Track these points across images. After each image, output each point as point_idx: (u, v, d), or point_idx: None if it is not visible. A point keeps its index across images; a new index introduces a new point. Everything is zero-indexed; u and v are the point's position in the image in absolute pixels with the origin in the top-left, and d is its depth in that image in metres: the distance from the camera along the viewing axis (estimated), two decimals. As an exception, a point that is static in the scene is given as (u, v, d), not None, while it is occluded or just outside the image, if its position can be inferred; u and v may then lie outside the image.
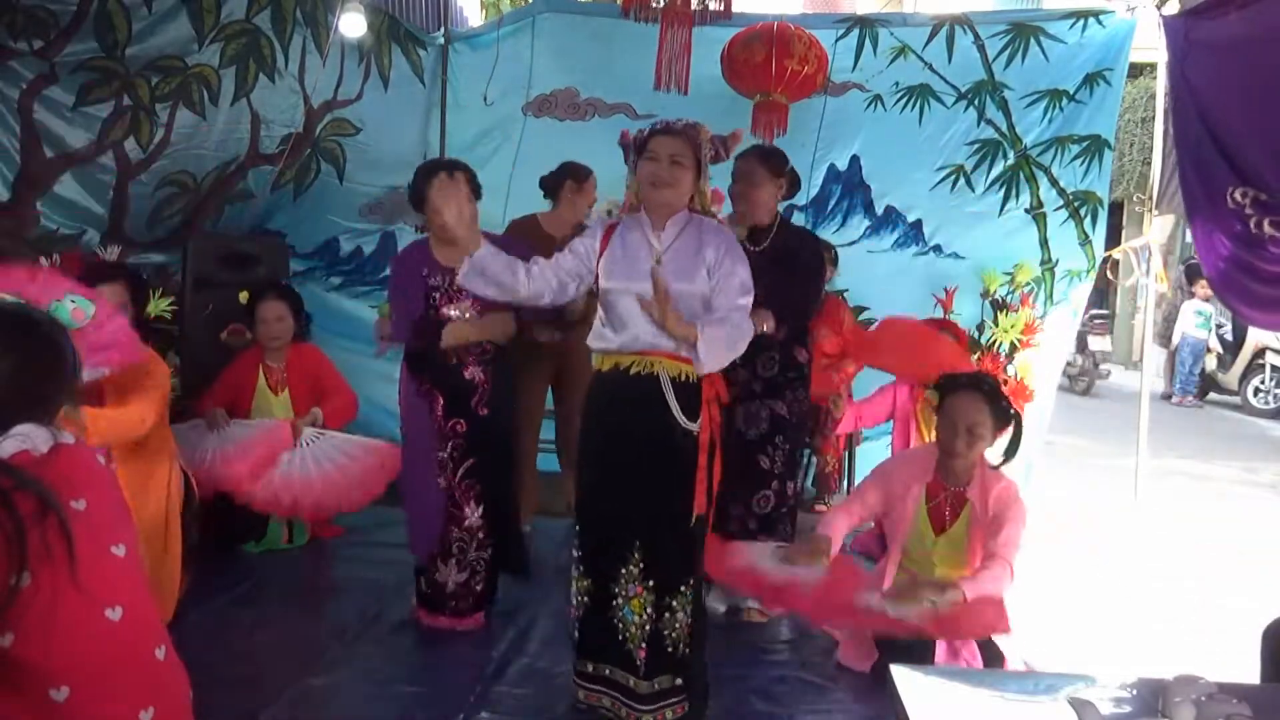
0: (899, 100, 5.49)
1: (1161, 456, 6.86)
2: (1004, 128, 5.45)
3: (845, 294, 5.45)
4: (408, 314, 3.48)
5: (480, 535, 3.48)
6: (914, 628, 2.82)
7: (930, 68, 5.44)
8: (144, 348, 3.08)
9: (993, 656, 3.03)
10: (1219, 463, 7.80)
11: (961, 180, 5.51)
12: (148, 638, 1.54)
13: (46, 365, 1.57)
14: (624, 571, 2.81)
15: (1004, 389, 3.17)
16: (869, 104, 5.51)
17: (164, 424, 3.39)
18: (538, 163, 4.91)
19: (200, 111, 5.17)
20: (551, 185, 4.45)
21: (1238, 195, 3.49)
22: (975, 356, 5.24)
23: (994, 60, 5.41)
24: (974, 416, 3.00)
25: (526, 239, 3.92)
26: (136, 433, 3.15)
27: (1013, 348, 5.41)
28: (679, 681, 2.83)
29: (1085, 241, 5.48)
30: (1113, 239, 9.35)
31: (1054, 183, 5.47)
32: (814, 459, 5.37)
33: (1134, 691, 1.72)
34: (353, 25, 5.26)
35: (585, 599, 2.88)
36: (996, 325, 5.42)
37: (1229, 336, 11.21)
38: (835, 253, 5.06)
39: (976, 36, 5.40)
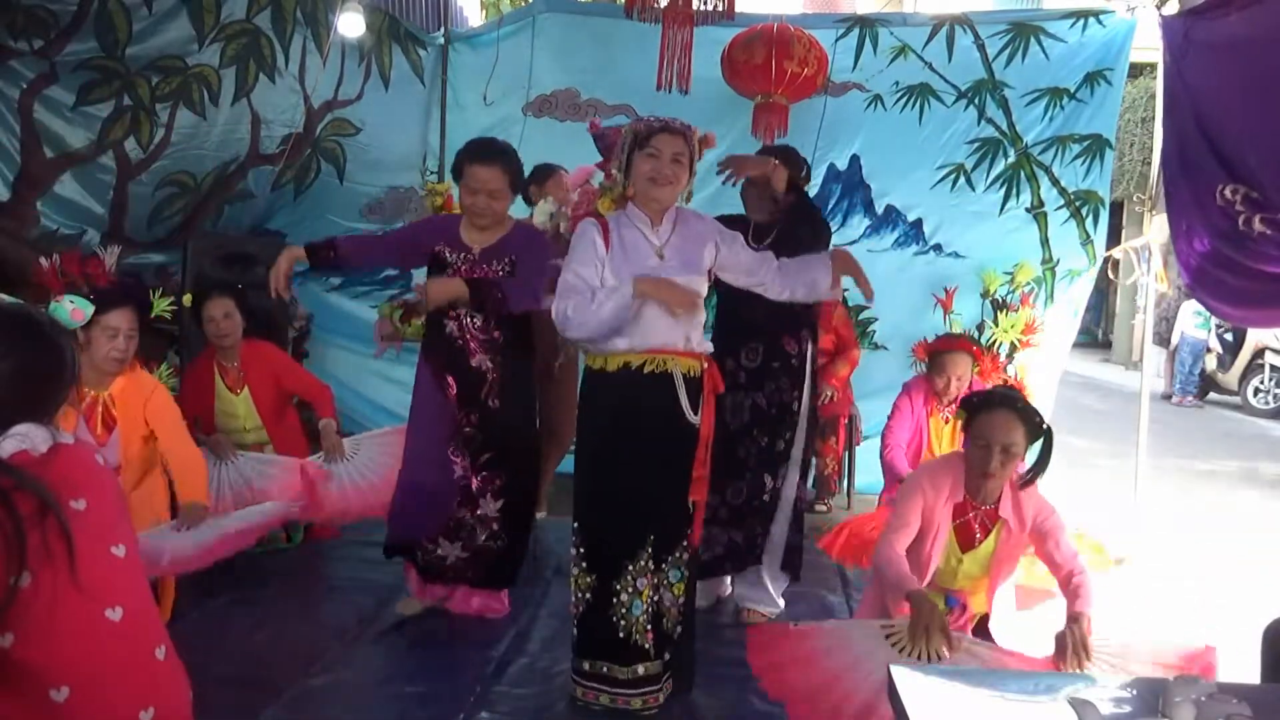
0: (899, 100, 5.49)
1: (1162, 456, 6.86)
2: (1004, 126, 5.46)
3: (845, 293, 5.45)
4: (391, 244, 3.58)
5: (494, 526, 3.43)
6: None
7: (930, 67, 5.45)
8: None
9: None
10: (1219, 463, 7.80)
11: (962, 179, 5.51)
12: (148, 638, 1.54)
13: (47, 365, 1.57)
14: (631, 568, 2.83)
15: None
16: (869, 104, 5.51)
17: None
18: (538, 163, 4.90)
19: (200, 111, 5.18)
20: (524, 191, 4.47)
21: (1227, 193, 3.49)
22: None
23: (994, 60, 5.42)
24: (1009, 436, 2.81)
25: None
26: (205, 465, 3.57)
27: (1013, 348, 5.41)
28: (667, 656, 2.93)
29: (1086, 241, 5.48)
30: (1113, 239, 9.35)
31: (1055, 182, 5.47)
32: (814, 460, 5.37)
33: (1134, 691, 1.71)
34: (353, 25, 5.26)
35: (587, 596, 2.90)
36: (996, 325, 5.42)
37: (1229, 336, 11.22)
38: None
39: (976, 36, 5.41)
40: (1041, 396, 5.39)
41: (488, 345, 3.35)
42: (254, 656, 3.27)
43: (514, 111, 5.68)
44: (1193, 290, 4.23)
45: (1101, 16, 5.33)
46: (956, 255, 5.57)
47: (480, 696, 3.02)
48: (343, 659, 3.26)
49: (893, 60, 5.46)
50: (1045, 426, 2.89)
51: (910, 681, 1.76)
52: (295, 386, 4.41)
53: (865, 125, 5.56)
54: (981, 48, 5.42)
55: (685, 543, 2.93)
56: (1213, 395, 11.54)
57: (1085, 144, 5.41)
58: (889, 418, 4.48)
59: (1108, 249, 5.68)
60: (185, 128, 5.18)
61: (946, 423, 4.30)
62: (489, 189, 3.30)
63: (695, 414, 2.85)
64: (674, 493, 2.88)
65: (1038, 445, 2.92)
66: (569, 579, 2.96)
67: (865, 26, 5.49)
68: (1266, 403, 10.88)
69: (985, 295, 5.50)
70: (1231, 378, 11.18)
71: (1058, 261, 5.50)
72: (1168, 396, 11.37)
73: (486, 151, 3.36)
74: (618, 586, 2.84)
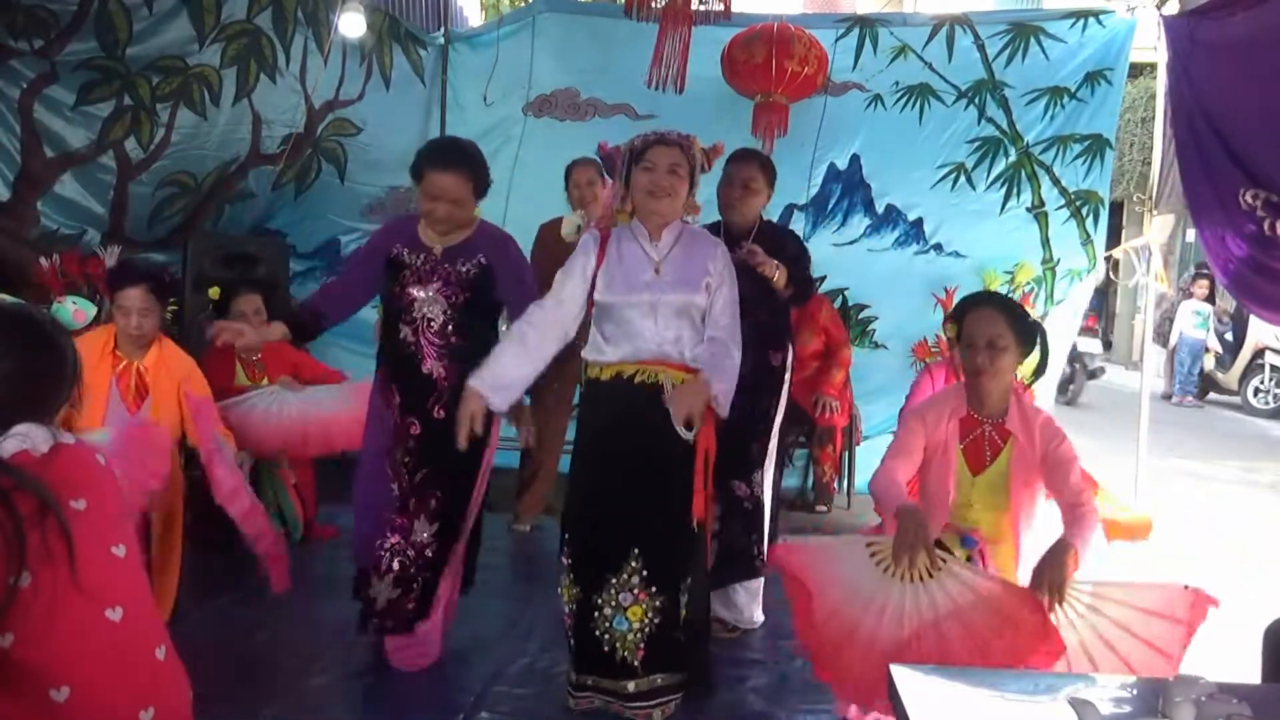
0: (899, 99, 5.49)
1: (1162, 456, 6.86)
2: (1005, 125, 5.46)
3: (846, 293, 5.46)
4: (359, 278, 3.23)
5: (428, 554, 3.07)
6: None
7: (930, 67, 5.45)
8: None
9: None
10: (1219, 463, 7.79)
11: (962, 178, 5.51)
12: (148, 638, 1.54)
13: (48, 366, 1.57)
14: (614, 581, 2.79)
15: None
16: (869, 103, 5.51)
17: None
18: (538, 163, 4.92)
19: (201, 111, 5.18)
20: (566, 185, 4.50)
21: (1248, 197, 3.48)
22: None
23: (994, 59, 5.42)
24: (993, 328, 2.72)
25: (548, 249, 4.05)
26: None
27: (1013, 348, 5.40)
28: (678, 677, 2.87)
29: (1086, 241, 5.48)
30: (1113, 239, 9.35)
31: (1055, 181, 5.47)
32: (811, 467, 5.37)
33: (1134, 691, 1.71)
34: (353, 25, 5.26)
35: (573, 607, 2.87)
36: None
37: (1229, 336, 11.22)
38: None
39: (976, 36, 5.41)
40: (1041, 397, 5.40)
41: (443, 351, 3.05)
42: (254, 656, 3.27)
43: (514, 111, 5.68)
44: (1233, 294, 4.20)
45: (1101, 16, 5.34)
46: (957, 255, 5.57)
47: (480, 696, 3.02)
48: (343, 659, 3.26)
49: (893, 60, 5.46)
50: (1034, 323, 2.80)
51: (910, 681, 1.76)
52: (313, 377, 4.43)
53: (865, 125, 5.56)
54: (981, 48, 5.42)
55: (688, 563, 2.85)
56: (1213, 395, 11.53)
57: (1085, 144, 5.41)
58: (905, 404, 4.37)
59: (1108, 249, 5.68)
60: (186, 128, 5.18)
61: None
62: (450, 197, 3.01)
63: (688, 428, 2.77)
64: (665, 507, 2.81)
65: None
66: (559, 588, 2.91)
67: (865, 26, 5.50)
68: (1266, 403, 10.88)
69: (985, 295, 5.49)
70: (1231, 378, 11.18)
71: (1058, 261, 5.50)
72: (1168, 396, 11.37)
73: (447, 155, 3.06)
74: (599, 600, 2.79)
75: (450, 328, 3.05)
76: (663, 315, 2.81)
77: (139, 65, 5.00)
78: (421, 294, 3.05)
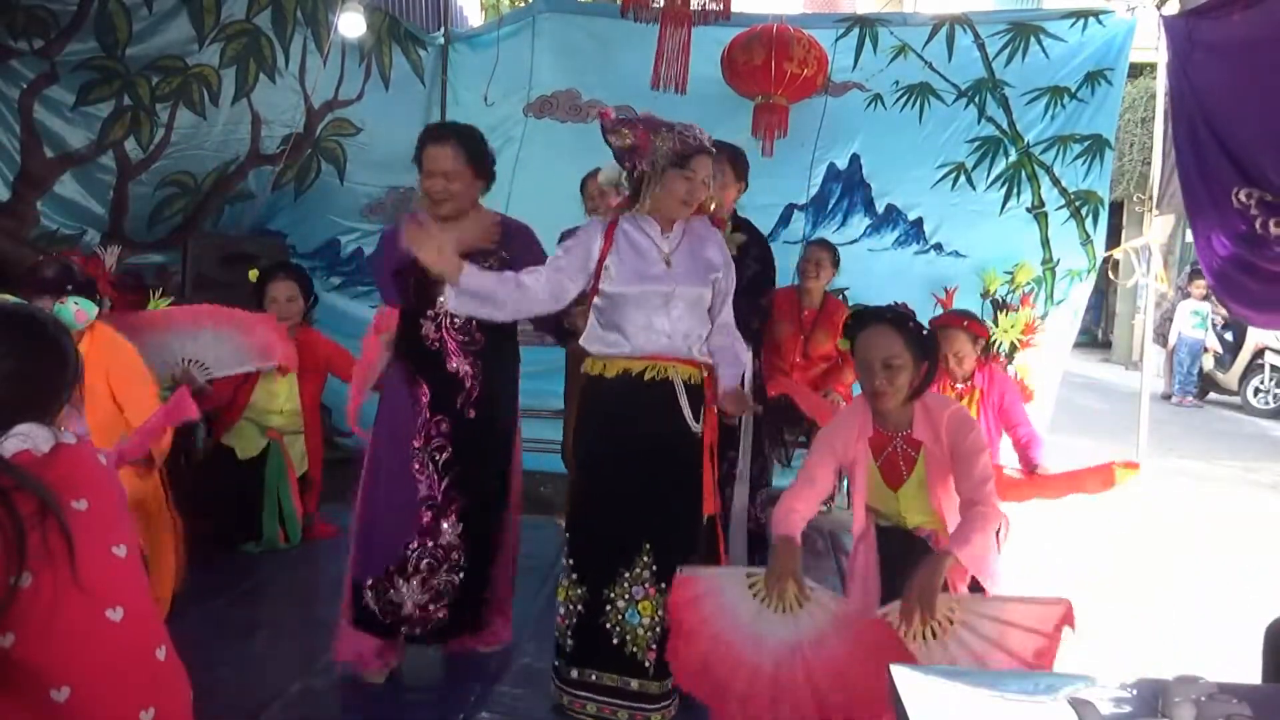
0: (899, 99, 5.50)
1: (1162, 456, 6.86)
2: (1005, 125, 5.46)
3: (846, 293, 5.45)
4: (388, 286, 3.14)
5: (454, 556, 3.00)
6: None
7: (930, 67, 5.45)
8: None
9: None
10: (1219, 463, 7.79)
11: (962, 178, 5.52)
12: (148, 638, 1.54)
13: (49, 366, 1.57)
14: (627, 575, 2.78)
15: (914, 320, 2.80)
16: (869, 103, 5.51)
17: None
18: (539, 164, 4.91)
19: (200, 111, 5.18)
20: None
21: (1242, 196, 3.49)
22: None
23: (994, 59, 5.42)
24: (888, 349, 2.69)
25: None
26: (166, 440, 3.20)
27: (1013, 348, 5.41)
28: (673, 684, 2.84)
29: (1086, 241, 5.48)
30: (1113, 239, 9.35)
31: (1055, 182, 5.47)
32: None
33: (1134, 691, 1.71)
34: (353, 25, 5.26)
35: (579, 606, 2.83)
36: (996, 325, 5.42)
37: (1229, 336, 11.22)
38: (836, 253, 5.07)
39: (976, 36, 5.41)
40: (1042, 397, 5.40)
41: (468, 349, 3.01)
42: (254, 656, 3.27)
43: (515, 112, 5.68)
44: (1217, 293, 4.22)
45: (1101, 16, 5.34)
46: (957, 255, 5.57)
47: (480, 696, 3.02)
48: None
49: (893, 60, 5.47)
50: (928, 336, 2.77)
51: (910, 681, 1.76)
52: (340, 371, 4.33)
53: (865, 125, 5.56)
54: (981, 47, 5.42)
55: (699, 557, 2.84)
56: (1213, 395, 11.54)
57: (1085, 144, 5.41)
58: None
59: (1108, 249, 5.69)
60: (185, 128, 5.18)
61: (961, 399, 4.11)
62: (442, 169, 2.98)
63: (697, 422, 2.81)
64: (675, 502, 2.82)
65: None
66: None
67: (865, 26, 5.50)
68: (1266, 403, 10.88)
69: (985, 295, 5.50)
70: (1231, 378, 11.18)
71: (1058, 261, 5.50)
72: (1168, 396, 11.37)
73: (439, 129, 3.10)
74: (612, 594, 2.77)
75: (473, 324, 3.00)
76: (676, 308, 2.80)
77: (139, 65, 5.00)
78: (442, 290, 2.91)
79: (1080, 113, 5.39)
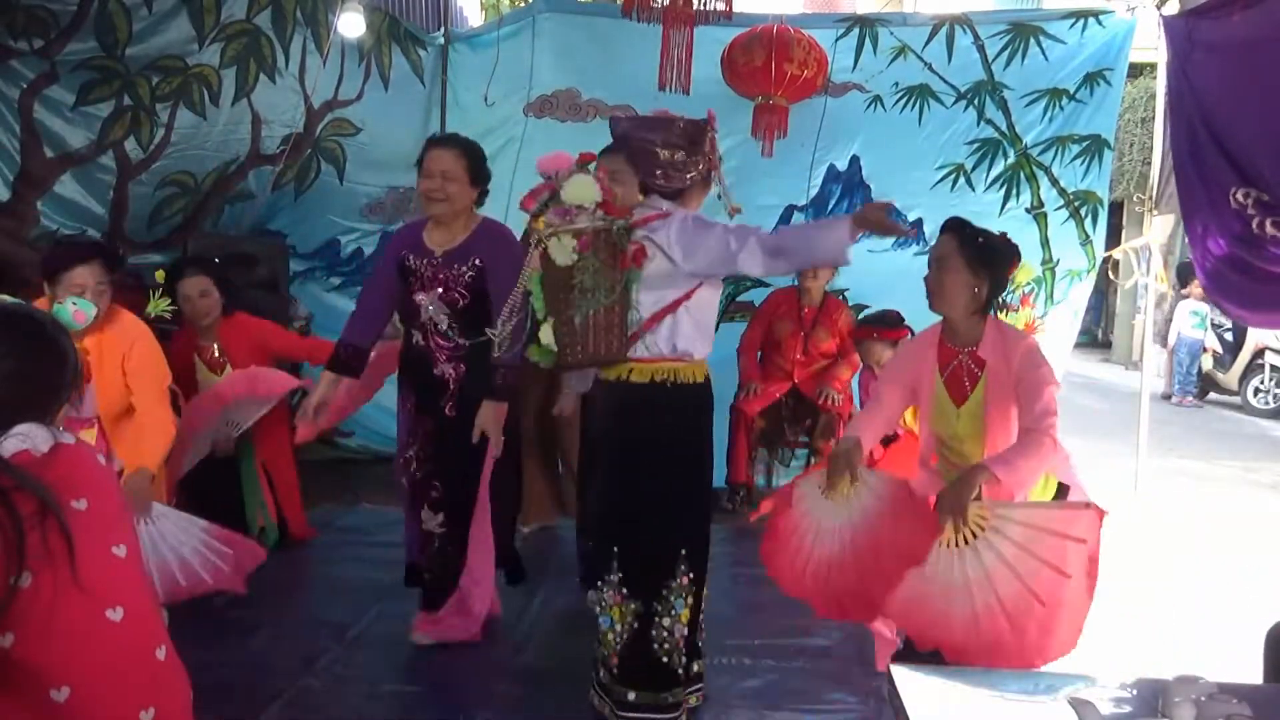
0: (899, 100, 5.50)
1: (1162, 456, 6.86)
2: (1004, 127, 5.46)
3: (846, 293, 5.45)
4: (373, 303, 3.38)
5: (437, 542, 3.30)
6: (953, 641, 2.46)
7: (930, 68, 5.45)
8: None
9: None
10: (1219, 463, 7.79)
11: (962, 179, 5.52)
12: (148, 638, 1.54)
13: (48, 365, 1.57)
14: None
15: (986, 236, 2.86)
16: (869, 104, 5.51)
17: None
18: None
19: (200, 111, 5.18)
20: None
21: (1239, 196, 3.50)
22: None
23: (994, 60, 5.42)
24: (940, 248, 2.78)
25: None
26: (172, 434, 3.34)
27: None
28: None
29: (1086, 241, 5.49)
30: (1113, 239, 9.35)
31: (1054, 182, 5.47)
32: (811, 459, 5.38)
33: (1134, 691, 1.71)
34: (353, 25, 5.26)
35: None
36: (996, 325, 5.42)
37: (1229, 336, 11.22)
38: None
39: (976, 36, 5.41)
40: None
41: (452, 353, 3.21)
42: (254, 656, 3.27)
43: (515, 112, 5.68)
44: (1209, 293, 4.22)
45: (1101, 17, 5.34)
46: (957, 255, 5.57)
47: (480, 696, 3.02)
48: (343, 659, 3.26)
49: (892, 60, 5.46)
50: (985, 247, 2.81)
51: (910, 681, 1.76)
52: (284, 349, 4.30)
53: (865, 126, 5.56)
54: (981, 48, 5.42)
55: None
56: (1213, 395, 11.54)
57: (1084, 144, 5.41)
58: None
59: (1107, 249, 5.69)
60: (185, 128, 5.18)
61: None
62: (441, 168, 3.17)
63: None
64: (698, 503, 2.82)
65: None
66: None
67: (865, 26, 5.50)
68: (1266, 403, 10.88)
69: (985, 295, 5.49)
70: (1231, 378, 11.18)
71: (1057, 262, 5.50)
72: (1167, 396, 11.37)
73: (445, 137, 3.36)
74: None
75: (454, 330, 3.19)
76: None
77: (139, 65, 5.00)
78: (425, 299, 3.19)
79: (1079, 113, 5.40)
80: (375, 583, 3.87)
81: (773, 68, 4.74)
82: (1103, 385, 11.92)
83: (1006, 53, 5.41)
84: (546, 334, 2.72)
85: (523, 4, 8.08)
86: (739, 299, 5.63)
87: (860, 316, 5.18)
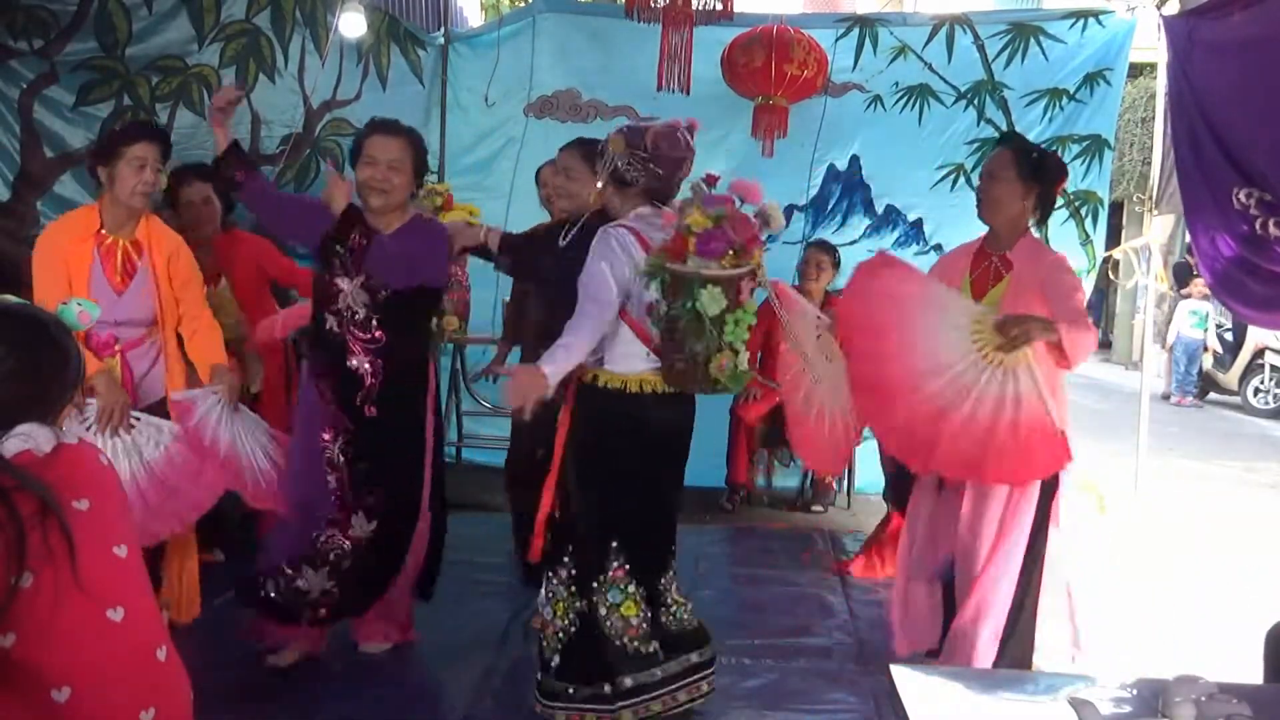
0: (899, 100, 5.49)
1: (1161, 456, 6.87)
2: (1004, 127, 5.45)
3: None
4: (298, 207, 3.26)
5: (362, 550, 3.03)
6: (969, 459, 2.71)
7: (930, 68, 5.45)
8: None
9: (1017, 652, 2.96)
10: (1219, 463, 7.80)
11: (962, 179, 5.51)
12: (149, 638, 1.54)
13: (51, 365, 1.57)
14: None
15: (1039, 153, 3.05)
16: (869, 104, 5.51)
17: None
18: (540, 164, 4.85)
19: (200, 111, 5.17)
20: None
21: (1242, 196, 3.50)
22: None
23: (994, 60, 5.42)
24: (993, 161, 3.01)
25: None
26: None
27: (1013, 347, 5.40)
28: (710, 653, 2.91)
29: (1086, 241, 5.48)
30: (1113, 239, 9.35)
31: (1054, 182, 5.46)
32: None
33: (1134, 691, 1.72)
34: (352, 25, 5.26)
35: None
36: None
37: (1229, 336, 11.22)
38: (837, 254, 5.08)
39: (976, 36, 5.41)
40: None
41: (367, 346, 2.98)
42: (254, 657, 3.27)
43: (515, 112, 5.67)
44: (1217, 294, 4.22)
45: (1101, 17, 5.33)
46: (957, 255, 5.57)
47: (479, 695, 3.02)
48: (342, 659, 3.26)
49: (892, 60, 5.46)
50: (1037, 160, 2.98)
51: (910, 681, 1.76)
52: (280, 273, 4.18)
53: (865, 126, 5.56)
54: (981, 48, 5.42)
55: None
56: (1213, 395, 11.55)
57: (1084, 144, 5.41)
58: None
59: (1107, 249, 5.68)
60: (185, 128, 5.18)
61: None
62: (389, 157, 2.97)
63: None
64: (675, 506, 2.93)
65: None
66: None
67: (865, 26, 5.49)
68: (1266, 403, 10.89)
69: (985, 295, 5.49)
70: (1231, 378, 11.19)
71: (1058, 262, 5.49)
72: (1167, 397, 11.37)
73: (391, 123, 3.07)
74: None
75: (374, 322, 2.98)
76: None
77: (139, 65, 5.00)
78: (347, 285, 2.97)
79: (1079, 113, 5.39)
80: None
81: (773, 68, 4.75)
82: (1103, 385, 11.91)
83: (1006, 53, 5.41)
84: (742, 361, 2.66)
85: (523, 4, 8.08)
86: (739, 299, 5.63)
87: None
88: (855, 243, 5.56)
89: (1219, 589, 4.35)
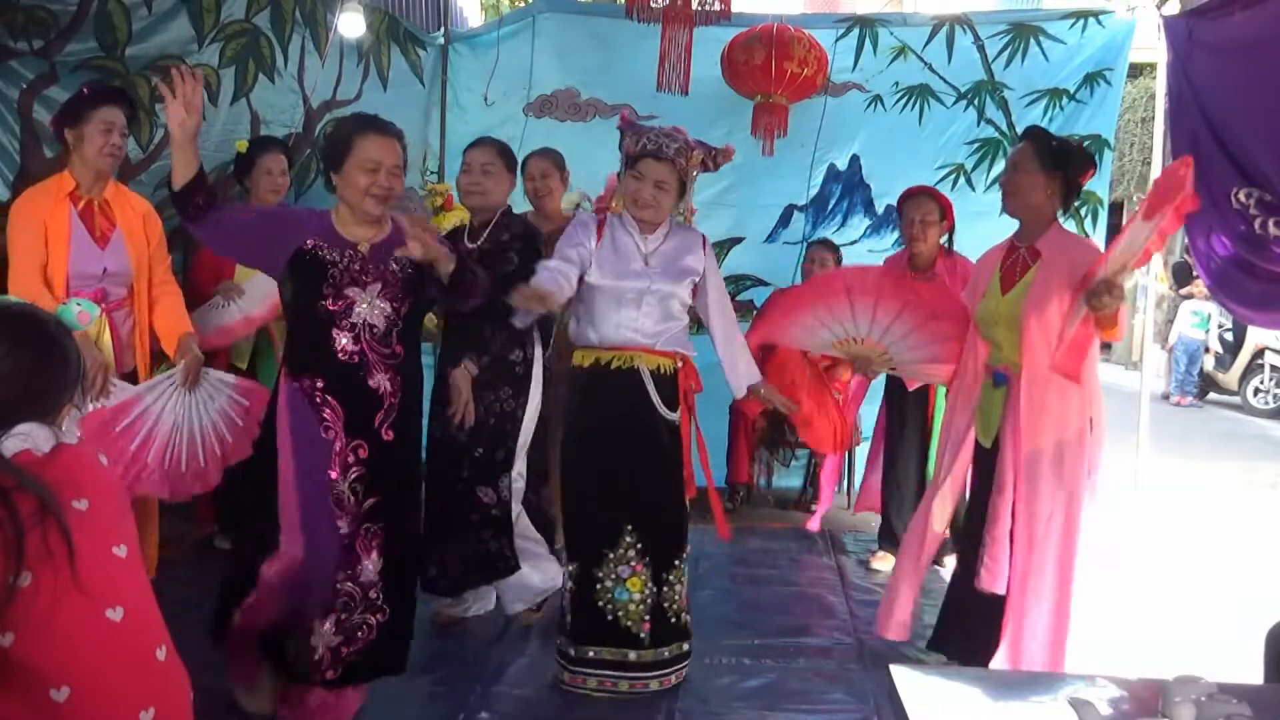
0: (899, 100, 5.49)
1: (1162, 457, 6.86)
2: (1004, 127, 5.46)
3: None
4: (257, 226, 2.73)
5: (371, 595, 2.63)
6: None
7: (930, 68, 5.45)
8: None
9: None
10: (1219, 463, 7.80)
11: (962, 179, 5.51)
12: (148, 638, 1.54)
13: (51, 365, 1.57)
14: (612, 555, 2.97)
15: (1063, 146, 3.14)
16: (869, 104, 5.51)
17: None
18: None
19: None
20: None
21: (1241, 196, 3.50)
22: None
23: (994, 60, 5.42)
24: (1017, 155, 3.10)
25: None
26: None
27: (1013, 347, 5.40)
28: (685, 648, 3.08)
29: (1085, 241, 5.48)
30: (1112, 239, 9.32)
31: (1054, 182, 5.46)
32: (812, 459, 5.38)
33: (1134, 691, 1.71)
34: (352, 25, 5.26)
35: (572, 585, 3.03)
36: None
37: (1229, 336, 11.22)
38: (839, 253, 5.08)
39: (976, 36, 5.41)
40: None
41: (388, 362, 2.63)
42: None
43: (515, 112, 5.68)
44: (1214, 293, 4.23)
45: (1101, 17, 5.34)
46: (957, 255, 5.57)
47: (480, 696, 3.02)
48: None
49: (892, 60, 5.46)
50: (1055, 144, 3.07)
51: (910, 681, 1.76)
52: None
53: (865, 125, 5.56)
54: (981, 48, 5.42)
55: (681, 542, 3.09)
56: (1213, 395, 11.54)
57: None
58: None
59: (1107, 249, 5.67)
60: (185, 128, 5.17)
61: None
62: (394, 162, 2.68)
63: (672, 410, 3.02)
64: (653, 484, 3.01)
65: None
66: (563, 571, 3.10)
67: (865, 26, 5.49)
68: (1266, 403, 10.88)
69: (985, 295, 5.50)
70: (1231, 378, 11.18)
71: (1057, 261, 5.49)
72: (1167, 396, 11.37)
73: (383, 122, 2.72)
74: (599, 574, 2.98)
75: (394, 335, 2.65)
76: (647, 303, 2.98)
77: (138, 65, 4.99)
78: (361, 296, 2.62)
79: (1079, 113, 5.39)
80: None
81: (773, 66, 4.75)
82: (1103, 385, 11.89)
83: (1006, 53, 5.41)
84: None
85: (523, 4, 8.08)
86: (739, 298, 5.61)
87: None
88: (856, 242, 5.56)
89: (1219, 589, 4.35)
